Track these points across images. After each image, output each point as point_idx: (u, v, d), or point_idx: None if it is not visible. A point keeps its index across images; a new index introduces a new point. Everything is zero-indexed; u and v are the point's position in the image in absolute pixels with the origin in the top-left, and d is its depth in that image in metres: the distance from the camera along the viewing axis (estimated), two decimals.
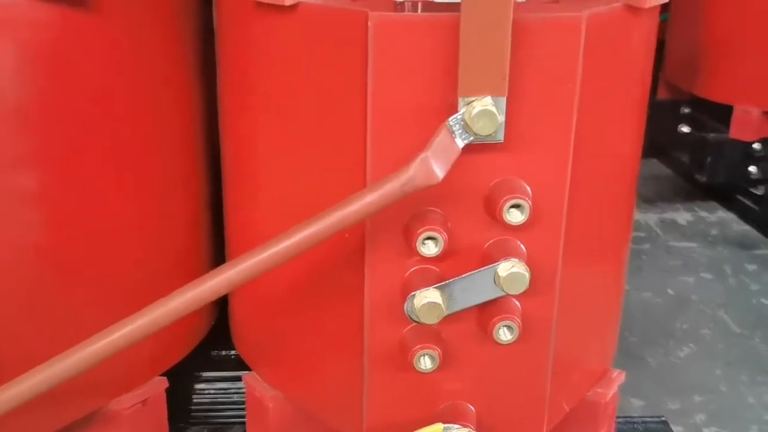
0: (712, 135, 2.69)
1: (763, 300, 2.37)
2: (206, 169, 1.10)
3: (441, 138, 0.74)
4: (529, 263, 0.82)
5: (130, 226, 0.97)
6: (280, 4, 0.83)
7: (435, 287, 0.81)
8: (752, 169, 2.66)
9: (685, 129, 2.94)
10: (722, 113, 2.67)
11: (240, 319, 1.09)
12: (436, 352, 0.85)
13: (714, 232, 2.89)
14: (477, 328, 0.85)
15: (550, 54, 0.78)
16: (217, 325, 1.21)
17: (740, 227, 2.92)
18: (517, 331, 0.84)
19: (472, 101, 0.75)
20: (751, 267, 2.59)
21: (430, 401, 0.89)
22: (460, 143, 0.76)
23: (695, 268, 2.57)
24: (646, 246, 2.79)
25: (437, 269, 0.83)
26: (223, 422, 1.17)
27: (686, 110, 2.98)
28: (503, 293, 0.81)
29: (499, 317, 0.83)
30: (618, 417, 1.14)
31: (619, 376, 1.10)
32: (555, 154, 0.81)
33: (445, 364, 0.86)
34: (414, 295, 0.81)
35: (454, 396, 0.90)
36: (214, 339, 1.21)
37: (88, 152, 0.90)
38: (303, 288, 0.93)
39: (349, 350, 0.90)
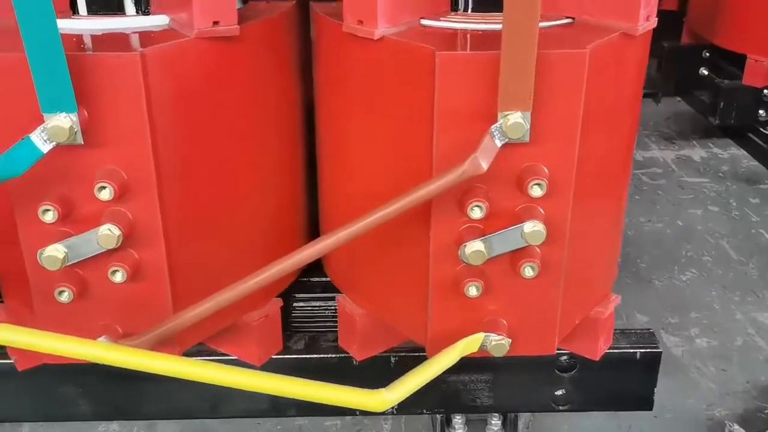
0: (725, 82, 2.96)
1: (761, 230, 2.70)
2: (305, 152, 1.46)
3: (486, 141, 1.09)
4: (546, 222, 1.17)
5: (259, 191, 1.34)
6: (371, 37, 1.17)
7: (480, 240, 1.17)
8: (762, 112, 2.94)
9: (705, 72, 3.20)
10: (739, 58, 2.93)
11: (334, 256, 1.47)
12: (480, 284, 1.21)
13: (725, 168, 3.20)
14: (509, 268, 1.21)
15: (563, 79, 1.11)
16: None
17: (749, 163, 3.23)
18: (537, 270, 1.20)
19: (507, 114, 1.09)
20: (755, 200, 2.92)
21: (475, 318, 1.27)
22: (499, 143, 1.10)
23: (704, 201, 2.90)
24: (662, 182, 3.10)
25: (481, 226, 1.19)
26: (317, 331, 1.55)
27: (707, 54, 3.23)
28: (528, 244, 1.17)
29: (524, 260, 1.19)
30: (615, 329, 1.51)
31: (615, 299, 1.46)
32: (566, 146, 1.15)
33: (486, 291, 1.23)
34: (465, 245, 1.17)
35: (492, 314, 1.27)
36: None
37: (236, 144, 1.26)
38: (386, 235, 1.29)
39: (418, 281, 1.27)
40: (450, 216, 1.19)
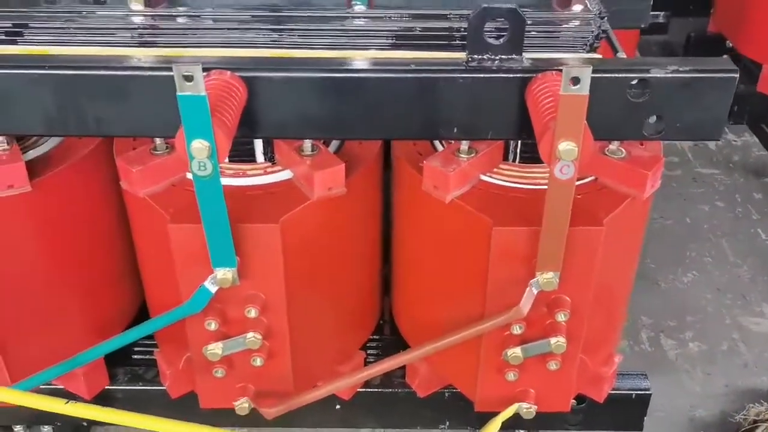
0: (740, 86, 3.24)
1: (759, 230, 3.09)
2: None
3: (527, 294, 1.53)
4: (567, 329, 1.62)
5: (352, 287, 1.80)
6: (443, 200, 1.58)
7: (519, 348, 1.63)
8: None
9: None
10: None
11: (409, 324, 1.93)
12: (517, 372, 1.68)
13: (736, 158, 3.53)
14: (539, 361, 1.67)
15: (584, 245, 1.53)
16: None
17: (759, 153, 3.54)
18: (559, 365, 1.66)
19: (543, 273, 1.52)
20: (758, 196, 3.28)
21: (512, 389, 1.74)
22: (535, 292, 1.54)
23: (712, 196, 3.26)
24: (678, 172, 3.44)
25: (520, 336, 1.64)
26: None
27: (730, 45, 3.50)
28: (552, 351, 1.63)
29: (550, 359, 1.65)
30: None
31: (618, 358, 1.92)
32: (584, 287, 1.59)
33: (521, 374, 1.70)
34: (508, 351, 1.63)
35: (524, 385, 1.74)
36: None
37: (338, 259, 1.71)
38: (451, 324, 1.75)
39: (472, 360, 1.73)
40: (497, 330, 1.64)
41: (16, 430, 2.09)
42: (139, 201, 1.60)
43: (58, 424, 2.05)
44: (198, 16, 1.57)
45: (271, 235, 1.54)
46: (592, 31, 1.57)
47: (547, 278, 1.52)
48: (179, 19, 1.56)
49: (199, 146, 1.31)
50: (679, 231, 3.09)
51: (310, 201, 1.58)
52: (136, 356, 2.08)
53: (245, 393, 1.75)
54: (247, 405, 1.74)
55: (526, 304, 1.54)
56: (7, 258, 1.62)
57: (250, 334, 1.62)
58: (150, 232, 1.64)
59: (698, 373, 2.49)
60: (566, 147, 1.31)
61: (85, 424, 2.06)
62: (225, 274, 1.52)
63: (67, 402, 1.53)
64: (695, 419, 2.34)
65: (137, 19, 1.54)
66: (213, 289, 1.54)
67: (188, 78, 1.27)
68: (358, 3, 1.59)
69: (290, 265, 1.59)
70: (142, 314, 1.99)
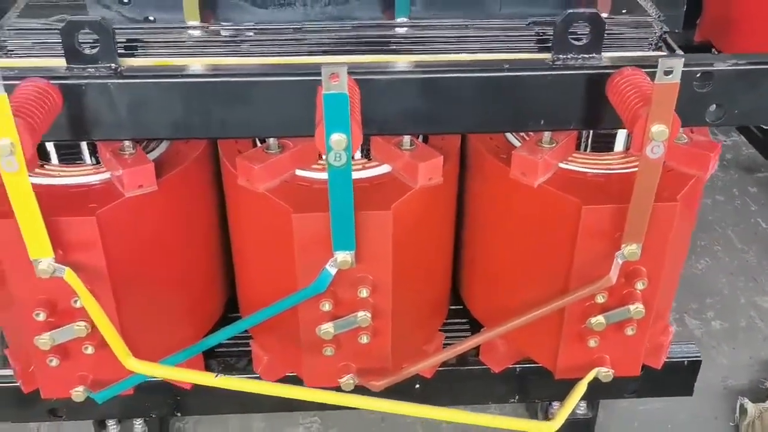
0: None
1: (759, 219, 3.35)
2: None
3: (614, 264, 1.72)
4: (643, 297, 1.82)
5: (442, 266, 1.97)
6: (531, 185, 1.77)
7: (602, 315, 1.82)
8: None
9: None
10: None
11: (481, 303, 2.11)
12: (598, 338, 1.87)
13: (728, 156, 3.80)
14: (618, 328, 1.86)
15: (661, 218, 1.73)
16: None
17: (748, 150, 3.82)
18: (636, 330, 1.85)
19: (628, 245, 1.71)
20: (753, 189, 3.55)
21: (590, 356, 1.93)
22: (620, 262, 1.73)
23: (713, 191, 3.52)
24: None
25: (602, 305, 1.83)
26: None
27: (716, 52, 3.78)
28: (632, 318, 1.82)
29: (627, 325, 1.84)
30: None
31: (672, 330, 2.12)
32: (659, 257, 1.78)
33: (601, 341, 1.88)
34: (592, 319, 1.82)
35: (601, 352, 1.93)
36: None
37: (433, 242, 1.88)
38: (530, 296, 1.92)
39: (552, 331, 1.92)
40: (580, 300, 1.83)
41: (109, 425, 2.20)
42: (257, 196, 1.75)
43: (153, 416, 2.16)
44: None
45: (384, 221, 1.71)
46: (655, 32, 1.79)
47: (631, 249, 1.71)
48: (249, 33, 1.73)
49: (339, 138, 1.48)
50: None
51: (413, 190, 1.75)
52: (219, 349, 2.20)
53: (348, 371, 1.90)
54: (352, 381, 1.89)
55: (614, 274, 1.73)
56: (135, 254, 1.76)
57: (361, 313, 1.78)
58: (266, 224, 1.79)
59: (724, 347, 2.71)
60: (659, 129, 1.50)
61: (178, 414, 2.18)
62: (345, 257, 1.68)
63: (217, 376, 1.67)
64: (728, 387, 2.55)
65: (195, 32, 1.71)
66: (333, 271, 1.70)
67: (333, 78, 1.43)
68: (401, 16, 1.77)
69: (396, 248, 1.76)
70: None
